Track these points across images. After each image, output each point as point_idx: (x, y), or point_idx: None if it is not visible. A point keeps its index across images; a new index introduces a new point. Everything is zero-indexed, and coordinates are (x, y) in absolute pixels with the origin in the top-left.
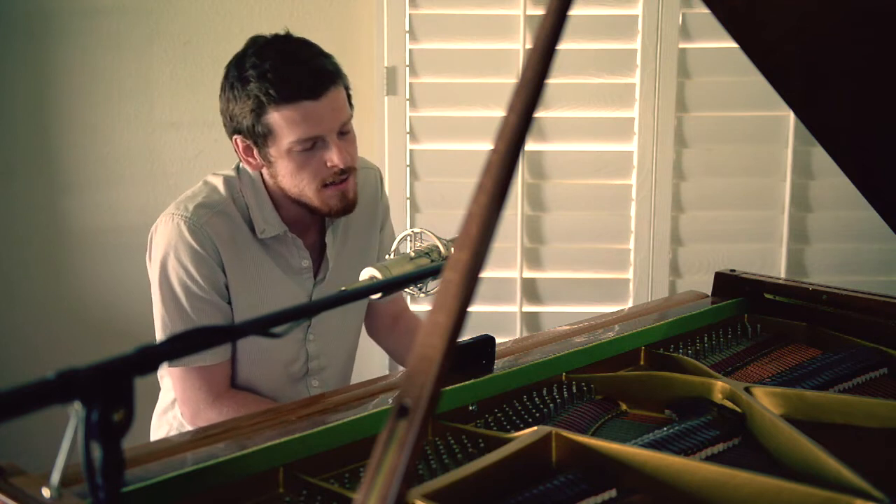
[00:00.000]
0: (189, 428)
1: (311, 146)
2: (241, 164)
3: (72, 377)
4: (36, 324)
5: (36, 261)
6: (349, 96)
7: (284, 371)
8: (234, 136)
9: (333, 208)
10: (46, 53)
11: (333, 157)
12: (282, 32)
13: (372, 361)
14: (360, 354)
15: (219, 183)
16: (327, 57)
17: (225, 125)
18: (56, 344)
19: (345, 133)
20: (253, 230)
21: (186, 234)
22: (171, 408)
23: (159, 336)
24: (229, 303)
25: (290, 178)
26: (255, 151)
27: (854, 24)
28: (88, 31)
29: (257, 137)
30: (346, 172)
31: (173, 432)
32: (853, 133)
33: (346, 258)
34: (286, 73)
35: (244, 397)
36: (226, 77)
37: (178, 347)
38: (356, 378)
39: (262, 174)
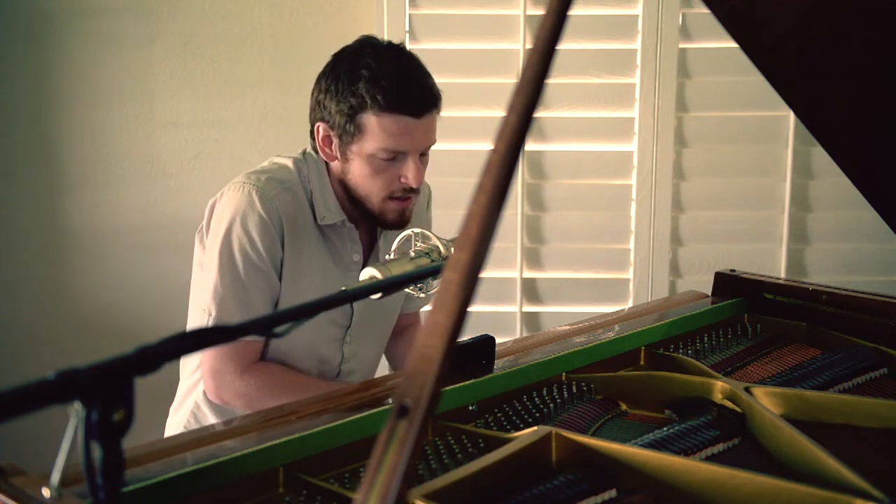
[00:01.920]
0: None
1: (393, 158)
2: (306, 151)
3: (72, 377)
4: (36, 324)
5: (36, 260)
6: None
7: (317, 369)
8: (318, 124)
9: (389, 221)
10: (46, 53)
11: (409, 175)
12: (396, 42)
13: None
14: None
15: (288, 163)
16: (433, 80)
17: (312, 109)
18: (56, 344)
19: (424, 156)
20: (314, 215)
21: (257, 202)
22: (191, 391)
23: (208, 302)
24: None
25: (361, 179)
26: (335, 143)
27: (854, 24)
28: (88, 31)
29: (344, 133)
30: (413, 192)
31: (188, 416)
32: (853, 133)
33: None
34: (399, 85)
35: (271, 368)
36: (333, 69)
37: (179, 347)
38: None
39: (327, 164)
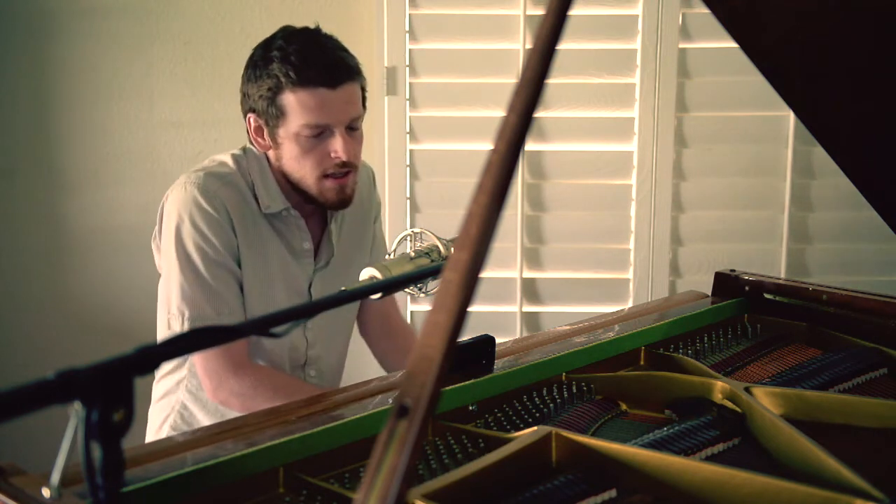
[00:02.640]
0: (209, 400)
1: (319, 134)
2: (247, 146)
3: (72, 377)
4: (36, 323)
5: (36, 261)
6: (364, 98)
7: (287, 356)
8: (248, 115)
9: (329, 201)
10: (46, 53)
11: (338, 149)
12: (312, 26)
13: (372, 361)
14: (359, 355)
15: (226, 158)
16: (350, 54)
17: (241, 104)
18: (56, 344)
19: (353, 129)
20: (258, 205)
21: (200, 198)
22: (174, 390)
23: (177, 305)
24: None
25: (293, 161)
26: (266, 132)
27: (854, 24)
28: (88, 31)
29: (269, 117)
30: (348, 167)
31: (174, 415)
32: (853, 133)
33: (343, 248)
34: (308, 58)
35: (264, 370)
36: (251, 58)
37: (178, 347)
38: (355, 378)
39: (267, 156)
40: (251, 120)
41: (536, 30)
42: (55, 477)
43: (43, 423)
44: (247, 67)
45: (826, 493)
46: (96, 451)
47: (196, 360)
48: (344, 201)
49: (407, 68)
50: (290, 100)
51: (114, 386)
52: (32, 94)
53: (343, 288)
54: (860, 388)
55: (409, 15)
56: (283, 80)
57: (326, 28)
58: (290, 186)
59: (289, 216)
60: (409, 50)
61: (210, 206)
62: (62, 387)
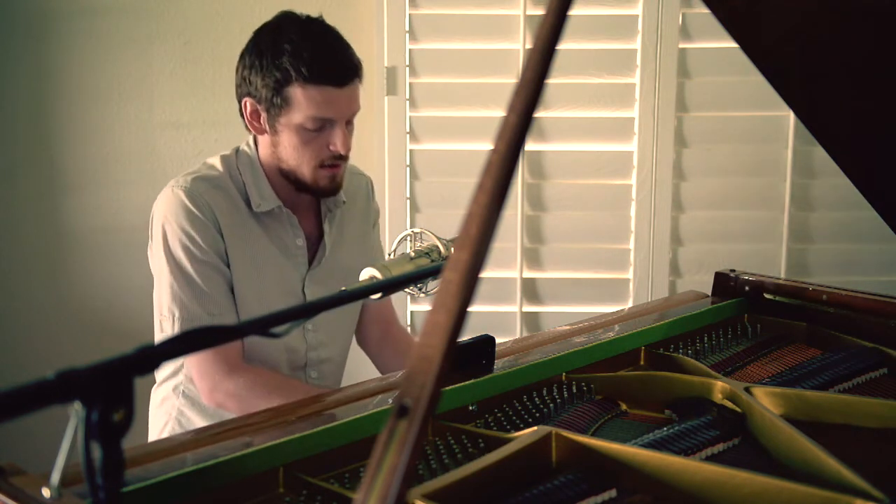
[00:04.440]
0: (205, 402)
1: (320, 127)
2: (240, 148)
3: (72, 377)
4: (36, 324)
5: (36, 261)
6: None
7: (286, 359)
8: (245, 99)
9: (322, 188)
10: (46, 53)
11: (337, 142)
12: (314, 15)
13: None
14: (358, 354)
15: (216, 161)
16: (353, 52)
17: (237, 86)
18: (56, 344)
19: (349, 124)
20: (249, 205)
21: (186, 201)
22: (171, 397)
23: (167, 306)
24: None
25: (291, 150)
26: (264, 117)
27: (853, 24)
28: (88, 31)
29: (272, 106)
30: (342, 159)
31: (172, 422)
32: (853, 133)
33: (342, 251)
34: (321, 57)
35: (259, 371)
36: (256, 44)
37: (179, 347)
38: (355, 378)
39: (258, 154)
40: (248, 104)
41: (536, 30)
42: (55, 477)
43: (43, 423)
44: (250, 54)
45: (826, 493)
46: (96, 451)
47: (190, 362)
48: (335, 188)
49: (407, 68)
50: (298, 93)
51: (114, 386)
52: (32, 94)
53: (343, 288)
54: (860, 388)
55: (409, 15)
56: (294, 74)
57: None
58: (282, 180)
59: (281, 214)
60: (409, 50)
61: (195, 207)
62: (62, 387)
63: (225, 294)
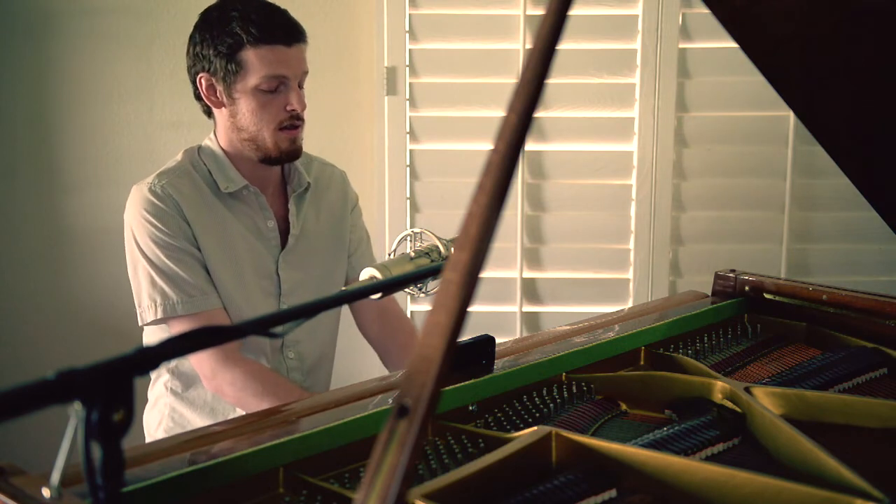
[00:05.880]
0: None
1: (275, 88)
2: (202, 143)
3: (72, 377)
4: (36, 324)
5: (36, 260)
6: None
7: (266, 341)
8: (200, 76)
9: (283, 150)
10: (46, 53)
11: (293, 101)
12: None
13: (371, 361)
14: (358, 354)
15: (178, 156)
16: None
17: (190, 68)
18: (56, 344)
19: (301, 86)
20: (215, 189)
21: (149, 195)
22: (163, 394)
23: (148, 294)
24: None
25: (250, 115)
26: (220, 89)
27: (854, 24)
28: (88, 31)
29: (227, 73)
30: (299, 120)
31: (166, 419)
32: (853, 133)
33: (316, 236)
34: (269, 19)
35: (255, 364)
36: (203, 20)
37: (179, 347)
38: (355, 378)
39: (219, 143)
40: (202, 80)
41: (536, 30)
42: (55, 477)
43: (43, 423)
44: (200, 31)
45: (826, 493)
46: (96, 451)
47: (190, 357)
48: (296, 151)
49: (407, 68)
50: (251, 55)
51: (114, 386)
52: (32, 94)
53: (343, 288)
54: (860, 388)
55: (409, 15)
56: (244, 37)
57: (327, 28)
58: (246, 163)
59: (249, 194)
60: (409, 50)
61: (156, 198)
62: (62, 387)
63: (202, 275)
